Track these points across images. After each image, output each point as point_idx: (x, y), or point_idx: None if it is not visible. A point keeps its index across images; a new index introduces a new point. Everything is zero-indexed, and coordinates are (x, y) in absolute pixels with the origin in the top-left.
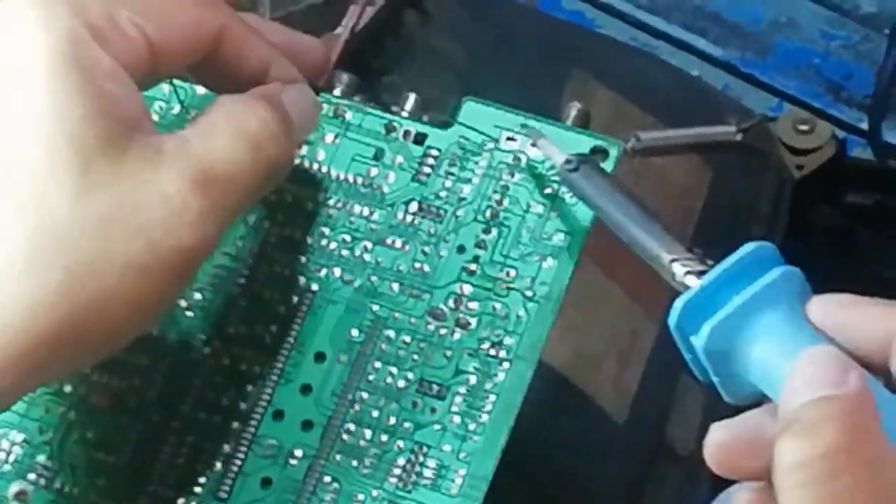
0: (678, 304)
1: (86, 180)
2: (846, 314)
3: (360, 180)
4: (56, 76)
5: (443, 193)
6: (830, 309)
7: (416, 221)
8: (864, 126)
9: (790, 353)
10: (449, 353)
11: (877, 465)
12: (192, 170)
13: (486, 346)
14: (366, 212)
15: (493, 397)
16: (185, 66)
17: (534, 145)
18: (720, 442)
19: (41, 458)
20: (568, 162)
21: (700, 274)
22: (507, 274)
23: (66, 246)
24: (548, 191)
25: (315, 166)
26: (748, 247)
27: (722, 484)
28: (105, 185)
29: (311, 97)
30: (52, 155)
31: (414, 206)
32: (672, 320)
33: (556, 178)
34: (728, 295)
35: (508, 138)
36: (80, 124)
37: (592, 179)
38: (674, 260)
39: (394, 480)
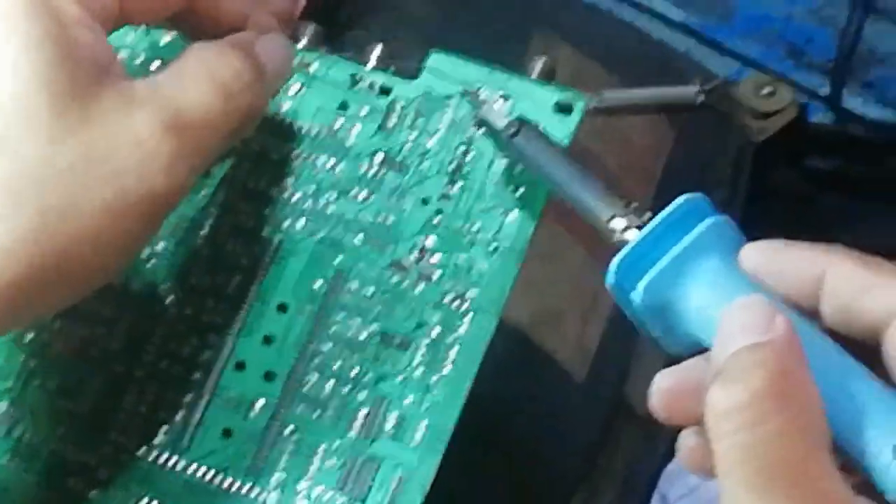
0: (613, 262)
1: (58, 124)
2: (777, 259)
3: (324, 131)
4: (26, 23)
5: (408, 146)
6: (762, 255)
7: (380, 173)
8: (826, 91)
9: (724, 301)
10: (412, 305)
11: (803, 408)
12: (163, 114)
13: (449, 298)
14: (330, 163)
15: (455, 349)
16: (158, 17)
17: (476, 111)
18: (664, 388)
19: (1, 406)
20: (508, 126)
21: (639, 227)
22: (471, 227)
23: (39, 189)
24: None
25: (279, 117)
26: (679, 200)
27: None
28: (77, 130)
29: (286, 47)
30: (24, 100)
31: (379, 158)
32: (609, 279)
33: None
34: (662, 249)
35: (469, 92)
36: (52, 69)
37: (532, 142)
38: (613, 216)
39: (355, 431)
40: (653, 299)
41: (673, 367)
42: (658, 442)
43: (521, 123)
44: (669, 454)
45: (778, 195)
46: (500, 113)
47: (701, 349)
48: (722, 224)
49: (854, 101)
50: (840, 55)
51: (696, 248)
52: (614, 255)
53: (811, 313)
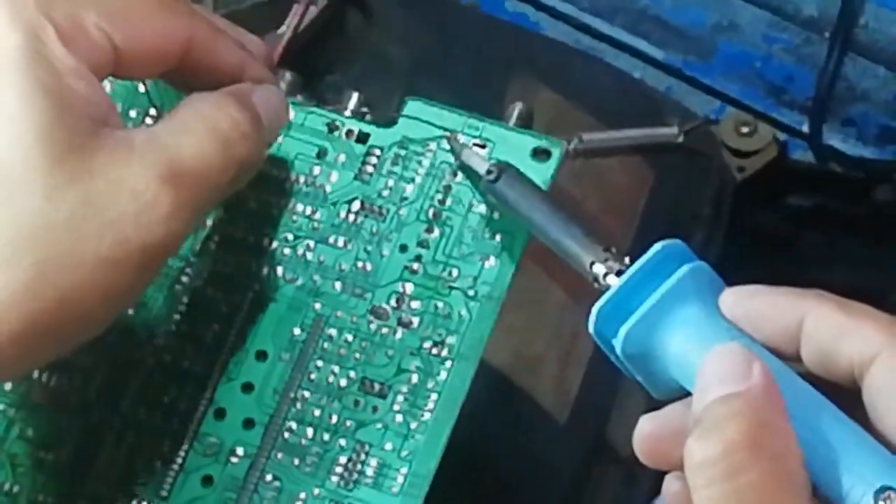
0: (594, 310)
1: (56, 176)
2: (756, 304)
3: (302, 179)
4: (22, 74)
5: (385, 192)
6: (741, 300)
7: (358, 220)
8: (806, 129)
9: (703, 348)
10: (391, 351)
11: (780, 459)
12: (162, 165)
13: (428, 345)
14: (308, 210)
15: (434, 396)
16: (153, 72)
17: (457, 157)
18: (647, 433)
19: None
20: (489, 172)
21: (618, 273)
22: (450, 273)
23: (37, 242)
24: None
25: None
26: (657, 246)
27: (661, 486)
28: (75, 182)
29: (281, 97)
30: (21, 152)
31: (356, 205)
32: (591, 326)
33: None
34: (642, 296)
35: (447, 139)
36: (49, 122)
37: (514, 187)
38: (593, 262)
39: (336, 479)
40: (634, 346)
41: (655, 413)
42: (641, 482)
43: (502, 168)
44: (651, 494)
45: (758, 234)
46: (480, 157)
47: (685, 392)
48: (700, 270)
49: (834, 139)
50: (819, 93)
51: (675, 295)
52: (595, 299)
53: (791, 358)
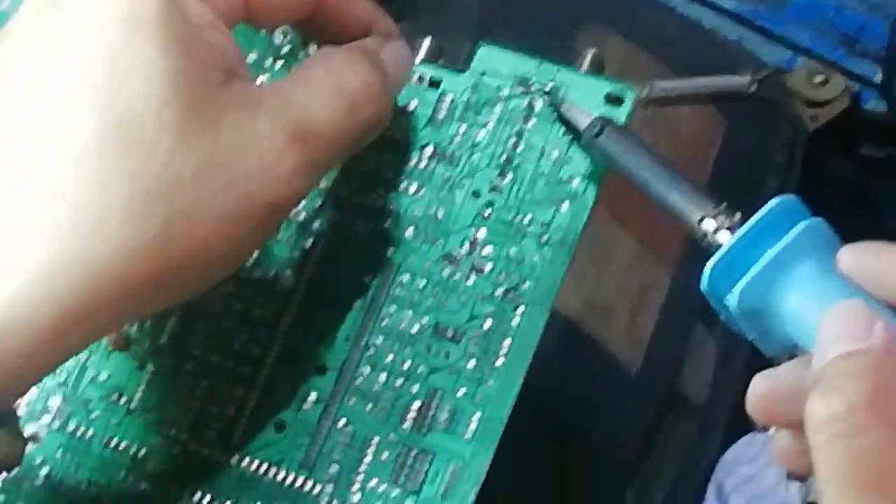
0: (707, 267)
1: (187, 129)
2: (876, 262)
3: None
4: (160, 27)
5: (457, 138)
6: (860, 257)
7: (430, 166)
8: (879, 79)
9: (821, 305)
10: (463, 297)
11: None
12: (290, 124)
13: (500, 290)
14: (379, 156)
15: (507, 342)
16: (285, 20)
17: (557, 110)
18: (762, 392)
19: (54, 401)
20: (591, 126)
21: (730, 229)
22: (522, 219)
23: (169, 193)
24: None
25: None
26: (773, 202)
27: (734, 433)
28: (205, 134)
29: (408, 54)
30: (156, 105)
31: (428, 151)
32: (704, 284)
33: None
34: (756, 252)
35: (519, 84)
36: (185, 75)
37: (617, 142)
38: (703, 218)
39: (409, 424)
40: (748, 304)
41: (769, 371)
42: (713, 432)
43: (604, 122)
44: (725, 444)
45: (831, 184)
46: (582, 112)
47: (799, 351)
48: (817, 226)
49: None
50: (892, 42)
51: (791, 252)
52: (671, 247)
53: None
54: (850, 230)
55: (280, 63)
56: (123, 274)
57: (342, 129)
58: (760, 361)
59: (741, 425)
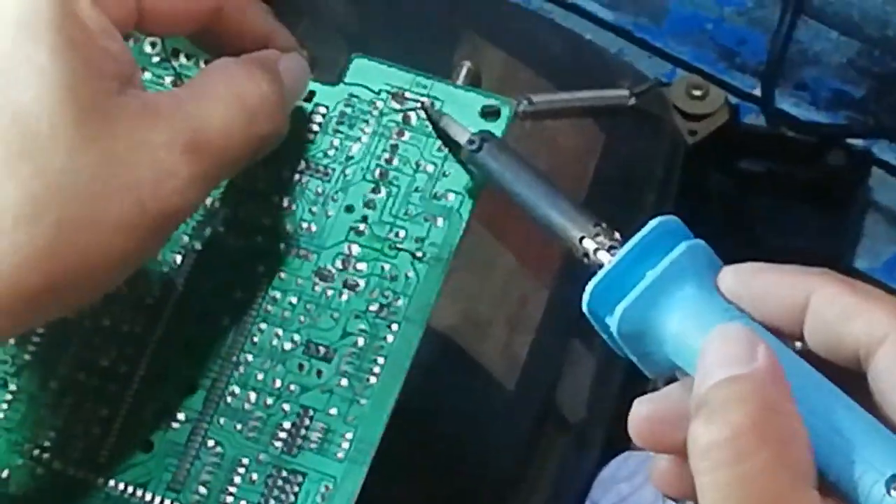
0: (588, 288)
1: (82, 135)
2: (757, 283)
3: None
4: (55, 31)
5: (331, 152)
6: (741, 279)
7: (302, 180)
8: (758, 93)
9: (702, 328)
10: (336, 314)
11: (787, 444)
12: (186, 134)
13: (374, 307)
14: (251, 169)
15: (381, 360)
16: (180, 30)
17: (435, 124)
18: (644, 416)
19: None
20: (471, 142)
21: (609, 249)
22: (397, 234)
23: (59, 200)
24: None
25: None
26: (654, 222)
27: (610, 451)
28: (99, 141)
29: (305, 67)
30: (49, 109)
31: (301, 164)
32: (584, 305)
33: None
34: (637, 274)
35: (394, 97)
36: (78, 79)
37: (497, 158)
38: (583, 237)
39: (279, 444)
40: (629, 326)
41: (651, 395)
42: (589, 449)
43: (484, 138)
44: (601, 461)
45: (709, 198)
46: (461, 126)
47: (679, 374)
48: (697, 248)
49: (786, 103)
50: (771, 56)
51: (672, 274)
52: (548, 262)
53: (792, 338)
54: (728, 245)
55: (148, 74)
56: (15, 279)
57: (239, 142)
58: (638, 379)
59: (618, 443)
